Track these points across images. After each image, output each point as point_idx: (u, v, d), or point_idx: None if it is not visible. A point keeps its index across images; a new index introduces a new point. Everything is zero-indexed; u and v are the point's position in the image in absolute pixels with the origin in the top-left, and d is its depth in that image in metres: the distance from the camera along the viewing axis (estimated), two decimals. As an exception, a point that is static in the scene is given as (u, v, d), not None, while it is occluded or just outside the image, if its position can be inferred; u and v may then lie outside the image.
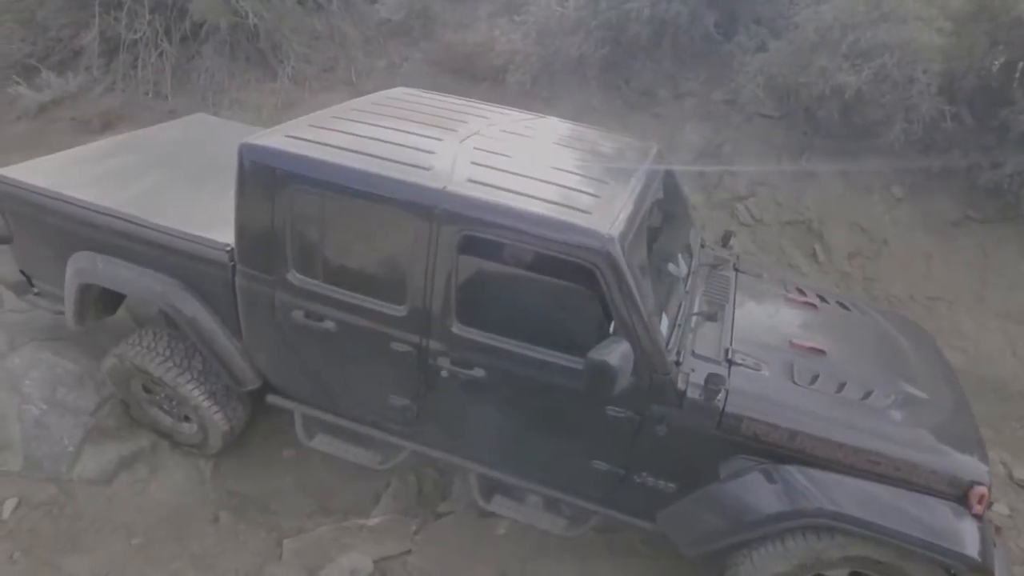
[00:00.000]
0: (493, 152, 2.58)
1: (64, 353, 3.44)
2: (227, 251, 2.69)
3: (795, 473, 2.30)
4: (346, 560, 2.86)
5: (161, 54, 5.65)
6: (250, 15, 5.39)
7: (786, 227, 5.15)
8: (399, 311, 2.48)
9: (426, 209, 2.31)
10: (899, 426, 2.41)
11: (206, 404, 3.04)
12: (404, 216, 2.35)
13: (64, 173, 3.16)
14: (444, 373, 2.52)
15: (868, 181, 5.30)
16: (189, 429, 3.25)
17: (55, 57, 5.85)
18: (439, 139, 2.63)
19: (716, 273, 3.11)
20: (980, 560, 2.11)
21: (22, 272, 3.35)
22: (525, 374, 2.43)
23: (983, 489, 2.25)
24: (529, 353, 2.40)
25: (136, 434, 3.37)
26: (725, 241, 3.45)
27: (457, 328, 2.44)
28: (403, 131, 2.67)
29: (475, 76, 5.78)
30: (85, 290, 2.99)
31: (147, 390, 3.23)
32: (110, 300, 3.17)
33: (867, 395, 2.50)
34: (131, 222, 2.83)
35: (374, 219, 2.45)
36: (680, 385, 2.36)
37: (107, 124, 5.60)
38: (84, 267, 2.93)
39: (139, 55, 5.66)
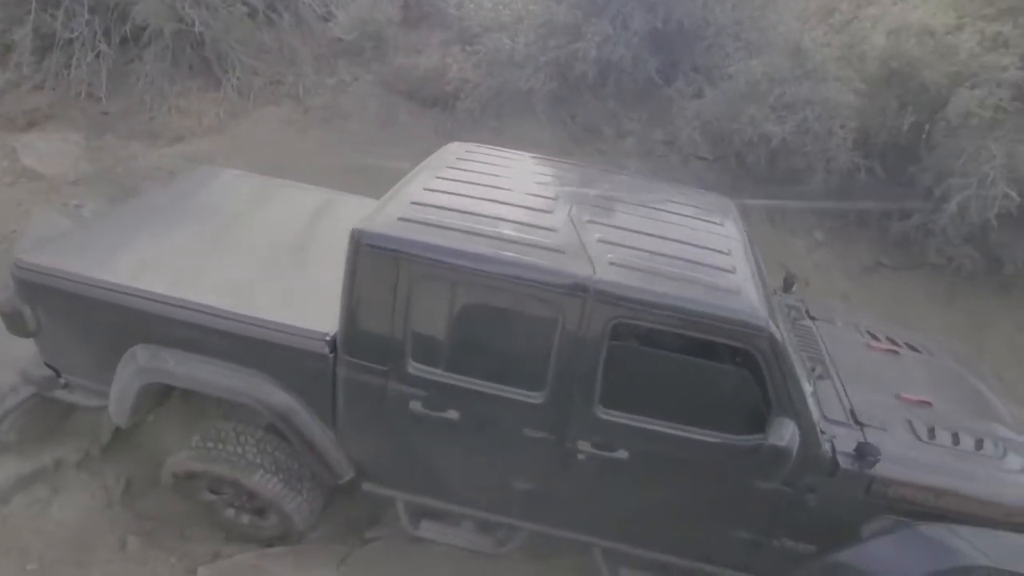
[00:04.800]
0: (611, 226, 2.60)
1: (-35, 362, 3.20)
2: (327, 341, 2.52)
3: (946, 531, 2.37)
4: (264, 587, 2.75)
5: (98, 55, 5.42)
6: (196, 23, 5.27)
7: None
8: (536, 398, 2.43)
9: (577, 297, 2.28)
10: (1017, 473, 2.52)
11: (288, 498, 2.80)
12: (547, 303, 2.32)
13: (97, 255, 2.81)
14: (582, 456, 2.49)
15: (793, 224, 5.64)
16: (268, 523, 2.98)
17: (-20, 51, 5.54)
18: (549, 211, 2.62)
19: (799, 325, 3.08)
20: None
21: (48, 365, 2.92)
22: (671, 453, 2.45)
23: None
24: (678, 432, 2.40)
25: (39, 451, 3.15)
26: (788, 286, 3.38)
27: (602, 412, 2.42)
28: (510, 204, 2.64)
29: (425, 100, 5.84)
30: (148, 388, 2.70)
31: (214, 491, 2.93)
32: (164, 392, 2.88)
33: (979, 444, 2.59)
34: (216, 315, 2.55)
35: (510, 306, 2.40)
36: (830, 454, 2.39)
37: (32, 123, 5.31)
38: (150, 365, 2.63)
39: (74, 55, 5.41)
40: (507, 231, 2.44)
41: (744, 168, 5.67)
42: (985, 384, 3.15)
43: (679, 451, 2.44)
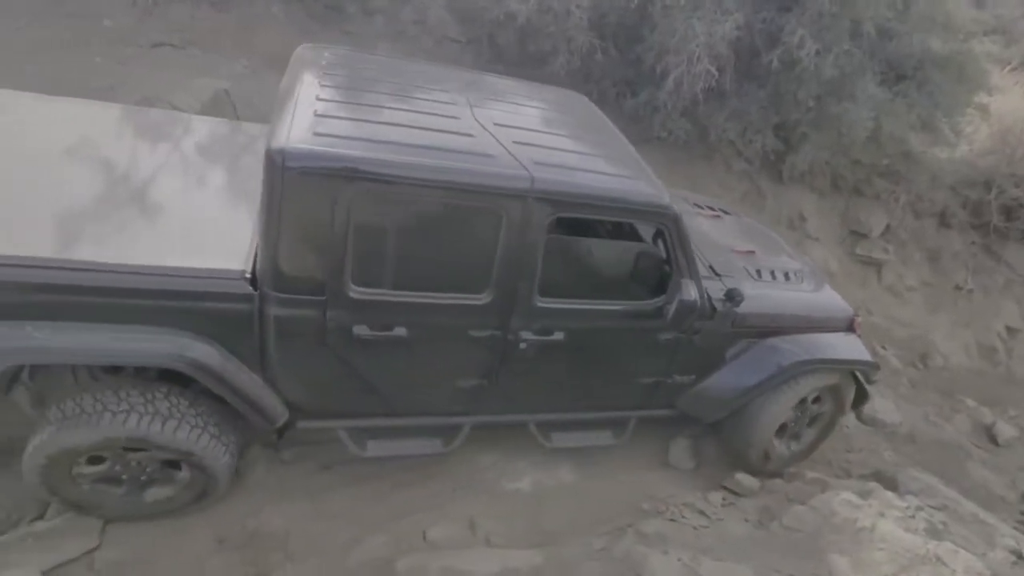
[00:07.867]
0: (515, 127, 2.73)
1: None
2: (246, 279, 2.29)
3: (778, 341, 3.19)
4: (1, 582, 2.35)
5: None
6: None
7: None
8: (480, 299, 2.55)
9: (519, 199, 2.40)
10: (811, 292, 3.47)
11: (212, 448, 2.54)
12: (492, 208, 2.41)
13: None
14: (523, 345, 2.69)
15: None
16: (177, 488, 2.64)
17: None
18: (456, 117, 2.67)
19: None
20: (874, 360, 3.47)
21: None
22: (598, 325, 2.80)
23: (858, 318, 3.52)
24: (603, 307, 2.77)
25: None
26: None
27: (539, 301, 2.62)
28: (414, 111, 2.62)
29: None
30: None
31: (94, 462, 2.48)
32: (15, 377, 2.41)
33: (787, 276, 3.45)
34: (100, 271, 2.15)
35: (454, 215, 2.43)
36: (709, 302, 2.92)
37: None
38: (9, 344, 2.12)
39: None
40: (432, 140, 2.44)
41: (496, 51, 5.69)
42: (766, 228, 4.14)
43: (604, 322, 2.83)
